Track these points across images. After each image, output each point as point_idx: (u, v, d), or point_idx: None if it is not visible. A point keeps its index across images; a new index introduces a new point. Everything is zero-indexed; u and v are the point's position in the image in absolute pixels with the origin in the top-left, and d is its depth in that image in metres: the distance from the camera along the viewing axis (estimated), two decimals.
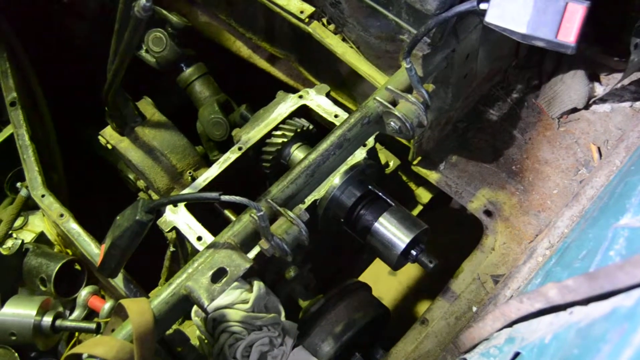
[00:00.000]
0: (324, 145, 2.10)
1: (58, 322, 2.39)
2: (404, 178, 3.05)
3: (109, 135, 2.77)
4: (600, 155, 2.65)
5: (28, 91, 3.06)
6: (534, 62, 2.94)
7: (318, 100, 2.57)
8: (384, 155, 2.82)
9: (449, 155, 2.78)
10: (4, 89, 2.87)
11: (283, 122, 2.53)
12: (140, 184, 2.84)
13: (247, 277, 2.24)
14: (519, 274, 2.28)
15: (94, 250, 2.48)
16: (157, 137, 2.73)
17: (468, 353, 1.86)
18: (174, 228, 2.31)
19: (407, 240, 2.23)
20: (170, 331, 2.41)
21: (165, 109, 2.84)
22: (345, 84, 2.98)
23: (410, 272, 4.16)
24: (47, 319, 2.38)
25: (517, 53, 2.90)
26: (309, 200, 2.25)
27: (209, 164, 2.71)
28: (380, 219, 2.29)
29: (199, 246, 2.24)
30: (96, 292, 2.63)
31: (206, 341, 2.23)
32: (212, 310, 2.16)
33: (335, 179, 2.28)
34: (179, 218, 2.31)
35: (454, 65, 2.43)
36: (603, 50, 2.85)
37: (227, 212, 2.45)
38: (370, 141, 2.39)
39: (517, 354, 1.52)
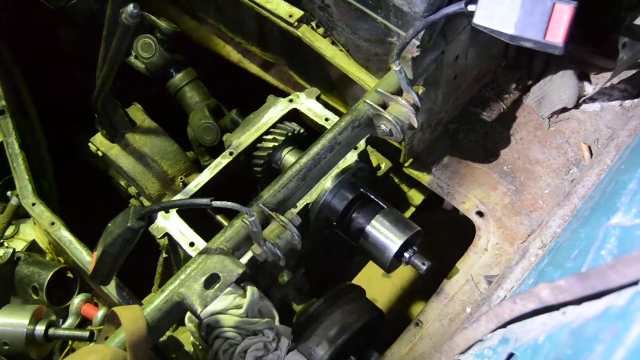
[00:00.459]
0: (315, 149, 2.10)
1: (51, 331, 2.38)
2: (396, 180, 3.06)
3: (99, 142, 2.76)
4: (591, 154, 2.66)
5: (17, 99, 3.05)
6: (523, 63, 2.95)
7: (308, 104, 2.57)
8: (375, 158, 2.82)
9: (440, 156, 2.79)
10: None
11: (274, 126, 2.53)
12: (132, 190, 2.83)
13: (240, 283, 2.23)
14: (512, 275, 2.29)
15: (86, 258, 2.48)
16: (147, 144, 2.72)
17: (462, 354, 1.86)
18: (166, 234, 2.30)
19: (399, 242, 2.23)
20: (163, 338, 2.40)
21: (155, 115, 2.83)
22: (335, 87, 2.98)
23: (403, 274, 4.16)
24: (40, 328, 2.37)
25: (506, 54, 2.91)
26: (300, 204, 2.25)
27: (200, 169, 2.70)
28: (373, 222, 2.30)
29: (192, 252, 2.23)
30: (89, 300, 2.62)
31: (200, 347, 2.22)
32: (206, 316, 2.16)
33: (327, 183, 2.28)
34: (171, 224, 2.30)
35: (443, 67, 2.44)
36: (592, 49, 2.86)
37: (219, 218, 2.45)
38: (362, 144, 2.39)
39: (511, 355, 1.52)
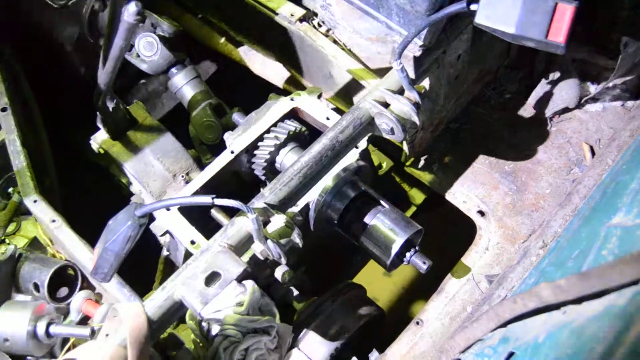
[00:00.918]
0: (317, 147, 2.10)
1: (52, 328, 2.38)
2: (397, 179, 3.06)
3: (100, 140, 2.76)
4: (593, 154, 2.66)
5: (20, 96, 3.05)
6: (525, 62, 2.95)
7: (310, 102, 2.57)
8: (376, 157, 2.82)
9: (441, 156, 2.79)
10: None
11: (275, 124, 2.53)
12: (133, 188, 2.83)
13: (241, 280, 2.23)
14: (512, 274, 2.29)
15: (87, 255, 2.48)
16: (149, 141, 2.73)
17: (463, 353, 1.86)
18: (167, 232, 2.30)
19: (401, 241, 2.23)
20: (164, 335, 2.40)
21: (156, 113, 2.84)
22: (336, 86, 2.98)
23: (404, 273, 4.16)
24: (41, 324, 2.37)
25: (508, 53, 2.91)
26: (302, 202, 2.25)
27: (201, 167, 2.71)
28: (374, 221, 2.30)
29: (193, 250, 2.24)
30: (90, 297, 2.62)
31: (201, 345, 2.22)
32: (206, 314, 2.16)
33: (328, 181, 2.28)
34: (172, 222, 2.30)
35: (445, 66, 2.44)
36: (594, 49, 2.86)
37: (220, 216, 2.45)
38: (363, 143, 2.39)
39: (511, 354, 1.53)
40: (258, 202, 1.95)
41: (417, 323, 2.42)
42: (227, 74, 3.91)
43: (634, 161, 2.09)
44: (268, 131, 2.51)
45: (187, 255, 2.32)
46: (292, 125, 2.52)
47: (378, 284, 4.07)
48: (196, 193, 2.40)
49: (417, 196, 3.04)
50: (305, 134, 2.56)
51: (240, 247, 1.92)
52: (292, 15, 2.72)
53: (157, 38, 2.82)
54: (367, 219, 2.31)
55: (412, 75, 2.24)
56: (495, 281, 2.38)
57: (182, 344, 2.41)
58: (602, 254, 1.48)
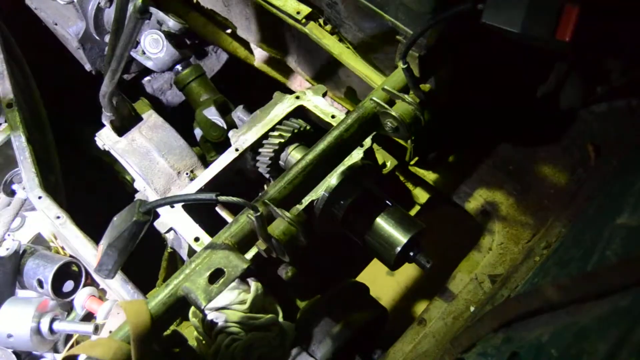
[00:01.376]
0: (321, 145, 2.10)
1: (56, 324, 2.39)
2: (402, 178, 3.05)
3: (105, 137, 2.76)
4: (597, 154, 2.65)
5: (25, 93, 3.06)
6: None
7: (315, 100, 2.57)
8: (381, 156, 2.82)
9: (446, 155, 2.78)
10: (1, 90, 2.87)
11: (280, 123, 2.53)
12: (137, 185, 2.83)
13: (244, 278, 2.24)
14: (516, 274, 2.29)
15: (91, 252, 2.48)
16: (154, 138, 2.73)
17: (466, 353, 1.86)
18: (171, 229, 2.31)
19: (404, 240, 2.23)
20: (167, 332, 2.41)
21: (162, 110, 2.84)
22: (342, 84, 2.98)
23: (407, 272, 4.16)
24: (45, 321, 2.38)
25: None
26: (306, 200, 2.25)
27: (206, 165, 2.71)
28: (378, 219, 2.30)
29: (197, 247, 2.24)
30: (94, 294, 2.62)
31: (204, 342, 2.23)
32: (210, 311, 2.16)
33: (333, 180, 2.28)
34: (176, 219, 2.31)
35: (450, 65, 2.43)
36: (600, 49, 2.85)
37: (224, 213, 2.45)
38: (368, 141, 2.39)
39: (514, 354, 1.52)
40: (262, 200, 1.95)
41: (420, 322, 2.42)
42: (232, 71, 3.91)
43: (638, 162, 2.09)
44: (273, 129, 2.51)
45: (191, 252, 2.32)
46: (297, 124, 2.52)
47: (381, 283, 4.07)
48: (200, 190, 2.40)
49: (421, 195, 3.04)
50: (310, 132, 2.56)
51: (244, 244, 1.92)
52: (298, 13, 2.72)
53: (163, 35, 2.83)
54: (371, 218, 2.31)
55: (417, 74, 2.24)
56: (498, 281, 2.38)
57: (185, 341, 2.41)
58: (607, 254, 1.48)
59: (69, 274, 2.61)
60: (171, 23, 2.74)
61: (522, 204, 2.60)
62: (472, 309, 2.39)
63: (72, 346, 2.52)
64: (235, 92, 3.25)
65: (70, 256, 2.66)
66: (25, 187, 2.64)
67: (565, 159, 2.68)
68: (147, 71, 3.84)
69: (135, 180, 2.77)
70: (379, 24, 2.42)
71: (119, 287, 2.44)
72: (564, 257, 1.91)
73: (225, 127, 2.89)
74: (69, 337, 2.55)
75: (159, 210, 2.31)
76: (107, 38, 3.14)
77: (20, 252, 2.60)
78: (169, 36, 2.83)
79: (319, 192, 2.28)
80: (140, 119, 2.80)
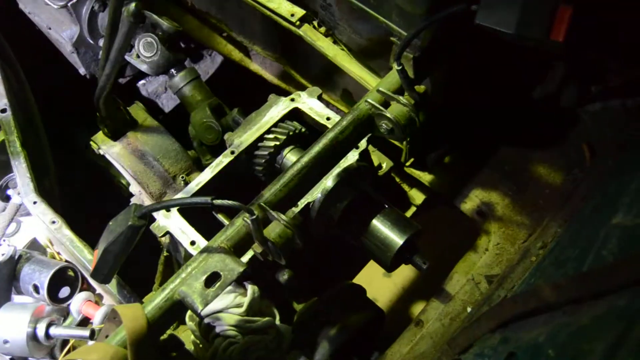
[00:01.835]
0: (317, 148, 2.10)
1: (52, 329, 2.38)
2: (397, 180, 3.05)
3: (100, 141, 2.76)
4: (593, 154, 2.65)
5: (19, 97, 3.05)
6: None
7: (310, 103, 2.57)
8: (376, 157, 2.82)
9: (441, 156, 2.78)
10: None
11: (275, 125, 2.52)
12: (133, 189, 2.83)
13: (240, 281, 2.23)
14: (512, 274, 2.29)
15: (87, 257, 2.47)
16: (149, 142, 2.73)
17: (463, 354, 1.86)
18: (167, 233, 2.30)
19: (400, 242, 2.23)
20: (164, 336, 2.40)
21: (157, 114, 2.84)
22: (337, 86, 2.98)
23: (404, 273, 4.16)
24: (41, 326, 2.37)
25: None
26: (301, 203, 2.25)
27: (201, 168, 2.70)
28: (374, 221, 2.29)
29: (193, 251, 2.23)
30: (90, 299, 2.62)
31: (201, 346, 2.22)
32: (206, 314, 2.16)
33: (328, 182, 2.28)
34: (172, 223, 2.30)
35: (445, 67, 2.44)
36: (594, 48, 2.85)
37: (220, 216, 2.45)
38: (363, 143, 2.39)
39: (511, 354, 1.52)
40: (258, 203, 1.95)
41: (417, 323, 2.42)
42: (227, 74, 3.91)
43: (634, 162, 2.09)
44: (268, 132, 2.51)
45: (187, 256, 2.32)
46: (292, 126, 2.52)
47: (378, 285, 4.06)
48: (196, 194, 2.40)
49: (417, 196, 3.04)
50: (306, 135, 2.56)
51: (240, 248, 1.91)
52: (292, 15, 2.72)
53: (157, 38, 2.82)
54: (367, 220, 2.31)
55: (411, 75, 2.24)
56: (495, 281, 2.38)
57: (182, 344, 2.40)
58: (602, 254, 1.48)
59: (65, 279, 2.60)
60: (165, 26, 2.74)
61: (518, 204, 2.60)
62: (469, 309, 2.39)
63: (68, 351, 2.51)
64: (230, 95, 3.25)
65: (66, 261, 2.65)
66: (20, 192, 2.64)
67: (560, 159, 2.68)
68: (141, 75, 3.84)
69: (130, 185, 2.77)
70: (373, 25, 2.42)
71: (115, 292, 2.43)
72: (560, 257, 1.92)
73: (220, 130, 2.88)
74: (65, 342, 2.54)
75: (155, 214, 2.30)
76: (101, 42, 3.13)
77: (16, 257, 2.59)
78: (163, 39, 2.83)
79: (315, 194, 2.28)
80: (135, 122, 2.80)
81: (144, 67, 2.88)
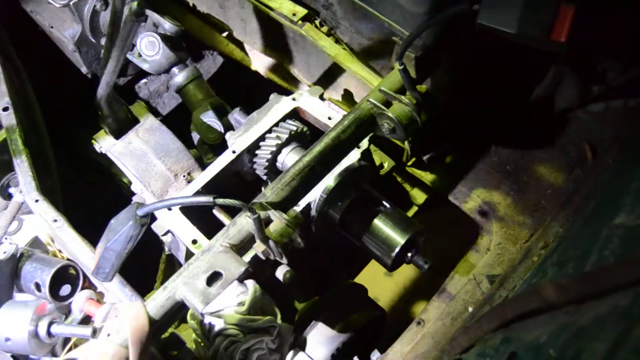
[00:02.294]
0: (318, 147, 2.10)
1: (53, 327, 2.38)
2: (399, 179, 3.05)
3: (102, 139, 2.76)
4: (594, 154, 2.65)
5: (21, 96, 3.05)
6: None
7: (312, 102, 2.57)
8: (378, 157, 2.82)
9: (443, 156, 2.78)
10: None
11: (277, 124, 2.53)
12: (135, 187, 2.83)
13: (242, 280, 2.23)
14: (514, 274, 2.29)
15: (89, 255, 2.48)
16: (150, 141, 2.73)
17: (464, 353, 1.86)
18: (169, 231, 2.30)
19: (402, 241, 2.23)
20: (166, 335, 2.40)
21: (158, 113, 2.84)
22: (338, 85, 2.98)
23: (406, 273, 4.16)
24: (43, 324, 2.37)
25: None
26: (303, 202, 2.25)
27: (203, 167, 2.70)
28: (375, 221, 2.29)
29: (194, 249, 2.24)
30: (92, 297, 2.62)
31: (202, 344, 2.22)
32: (208, 313, 2.16)
33: (330, 181, 2.28)
34: (173, 221, 2.30)
35: (446, 66, 2.43)
36: (596, 49, 2.85)
37: (221, 215, 2.45)
38: (364, 143, 2.39)
39: (513, 354, 1.52)
40: (259, 202, 1.95)
41: (419, 323, 2.42)
42: (228, 73, 3.91)
43: (635, 161, 2.09)
44: (270, 131, 2.51)
45: (189, 254, 2.32)
46: (293, 125, 2.52)
47: (379, 284, 4.07)
48: (198, 193, 2.40)
49: (419, 196, 3.04)
50: (307, 134, 2.56)
51: (241, 246, 1.92)
52: (293, 14, 2.72)
53: (159, 37, 2.82)
54: (368, 219, 2.30)
55: (413, 75, 2.24)
56: (496, 281, 2.38)
57: (183, 343, 2.41)
58: (604, 254, 1.48)
59: (66, 277, 2.60)
60: (167, 25, 2.74)
61: (520, 204, 2.60)
62: (470, 309, 2.39)
63: (70, 349, 2.51)
64: (232, 94, 3.25)
65: (68, 259, 2.65)
66: (22, 190, 2.64)
67: (562, 159, 2.68)
68: (143, 74, 3.83)
69: (132, 183, 2.77)
70: (375, 25, 2.42)
71: (116, 290, 2.43)
72: (562, 257, 1.91)
73: (222, 129, 2.88)
74: (67, 340, 2.55)
75: (156, 212, 2.31)
76: (103, 41, 3.13)
77: (18, 255, 2.59)
78: (165, 39, 2.83)
79: (317, 193, 2.28)
80: (137, 121, 2.80)
81: (145, 66, 2.88)
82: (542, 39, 1.80)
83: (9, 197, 2.82)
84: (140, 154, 2.70)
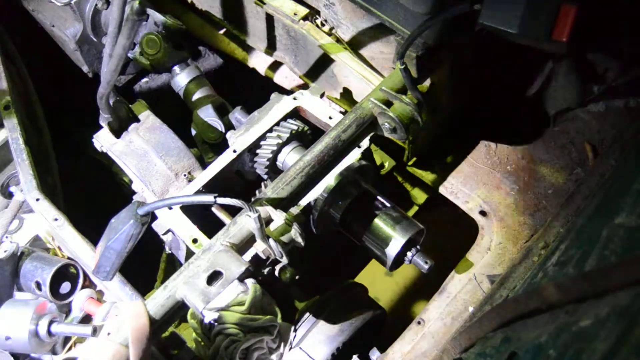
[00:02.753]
0: (319, 147, 2.10)
1: (54, 326, 2.38)
2: (399, 179, 3.05)
3: (103, 138, 2.76)
4: (595, 154, 2.65)
5: (22, 94, 3.05)
6: (528, 62, 2.94)
7: (312, 101, 2.57)
8: (379, 156, 2.82)
9: (444, 155, 2.78)
10: None
11: (278, 124, 2.53)
12: (135, 186, 2.83)
13: (242, 279, 2.23)
14: (514, 274, 2.29)
15: (90, 254, 2.48)
16: (151, 140, 2.73)
17: (464, 353, 1.86)
18: (169, 230, 2.30)
19: (402, 241, 2.23)
20: (166, 334, 2.41)
21: (159, 111, 2.84)
22: (339, 85, 2.98)
23: (406, 272, 4.16)
24: (43, 323, 2.37)
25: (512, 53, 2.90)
26: (304, 201, 2.25)
27: (204, 166, 2.70)
28: (376, 220, 2.29)
29: (195, 249, 2.24)
30: (92, 296, 2.62)
31: (202, 343, 2.22)
32: (208, 312, 2.16)
33: (331, 181, 2.28)
34: (174, 220, 2.30)
35: (447, 66, 2.43)
36: (597, 49, 2.85)
37: (222, 215, 2.45)
38: (365, 142, 2.39)
39: (513, 354, 1.52)
40: (260, 201, 1.95)
41: (419, 323, 2.42)
42: (229, 72, 3.91)
43: (636, 162, 2.09)
44: (270, 130, 2.51)
45: (189, 254, 2.32)
46: (294, 125, 2.52)
47: (379, 284, 4.07)
48: (198, 192, 2.40)
49: (419, 196, 3.04)
50: (308, 133, 2.56)
51: (242, 246, 1.92)
52: (295, 14, 2.73)
53: (160, 36, 2.82)
54: (369, 219, 2.30)
55: (414, 74, 2.24)
56: (497, 281, 2.38)
57: (183, 342, 2.41)
58: (605, 254, 1.48)
59: (66, 276, 2.61)
60: (168, 24, 2.74)
61: (520, 204, 2.60)
62: (470, 309, 2.39)
63: (70, 348, 2.51)
64: (233, 93, 3.25)
65: (68, 258, 2.65)
66: (23, 189, 2.64)
67: (563, 159, 2.68)
68: (144, 72, 3.84)
69: (133, 182, 2.77)
70: (377, 24, 2.42)
71: (117, 289, 2.43)
72: (563, 257, 1.91)
73: (222, 128, 2.89)
74: (67, 339, 2.55)
75: (157, 211, 2.31)
76: (104, 40, 3.13)
77: (18, 254, 2.59)
78: (166, 37, 2.83)
79: (317, 193, 2.28)
80: (137, 120, 2.80)
81: (146, 65, 2.88)
82: (543, 38, 1.80)
83: (9, 195, 2.82)
84: (141, 153, 2.70)
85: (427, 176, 2.76)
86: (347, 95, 3.00)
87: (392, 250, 2.24)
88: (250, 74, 3.49)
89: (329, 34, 2.75)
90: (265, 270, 2.34)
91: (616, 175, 2.21)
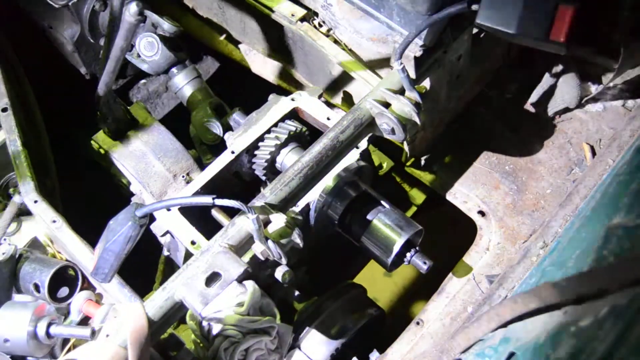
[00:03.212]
0: (317, 147, 2.10)
1: (52, 328, 2.38)
2: (398, 179, 3.05)
3: (101, 140, 2.76)
4: (593, 154, 2.66)
5: (20, 96, 3.05)
6: (525, 62, 2.94)
7: (311, 102, 2.57)
8: (377, 157, 2.82)
9: (442, 156, 2.78)
10: None
11: (276, 125, 2.53)
12: (134, 188, 2.83)
13: (241, 281, 2.23)
14: (513, 274, 2.28)
15: (88, 256, 2.47)
16: (149, 142, 2.73)
17: (463, 353, 1.86)
18: (168, 232, 2.30)
19: (401, 241, 2.23)
20: (165, 335, 2.40)
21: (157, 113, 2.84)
22: (337, 85, 2.98)
23: (405, 273, 4.16)
24: (42, 325, 2.37)
25: (509, 53, 2.91)
26: (302, 203, 2.25)
27: (202, 167, 2.71)
28: (374, 221, 2.30)
29: (193, 250, 2.23)
30: (91, 298, 2.61)
31: (201, 345, 2.22)
32: (207, 314, 2.16)
33: (329, 182, 2.28)
34: (172, 222, 2.30)
35: (446, 66, 2.44)
36: (594, 49, 2.85)
37: (220, 216, 2.45)
38: (364, 143, 2.39)
39: (512, 354, 1.52)
40: (258, 203, 1.95)
41: (418, 323, 2.42)
42: (227, 73, 3.91)
43: (634, 161, 2.09)
44: (269, 131, 2.51)
45: (188, 255, 2.32)
46: (292, 126, 2.52)
47: (378, 284, 4.06)
48: (197, 193, 2.40)
49: (418, 196, 3.04)
50: (306, 134, 2.56)
51: (240, 247, 1.91)
52: (292, 15, 2.72)
53: (158, 38, 2.82)
54: (367, 219, 2.31)
55: (412, 75, 2.24)
56: (495, 281, 2.38)
57: (182, 344, 2.41)
58: (603, 254, 1.48)
59: (65, 278, 2.60)
60: (166, 26, 2.73)
61: (519, 204, 2.60)
62: (469, 309, 2.39)
63: (69, 350, 2.51)
64: (231, 95, 3.25)
65: (67, 260, 2.65)
66: (21, 191, 2.63)
67: (561, 159, 2.68)
68: (142, 74, 3.84)
69: (131, 184, 2.77)
70: (374, 25, 2.42)
71: (115, 291, 2.43)
72: (561, 257, 1.91)
73: (221, 129, 2.88)
74: (65, 341, 2.54)
75: (155, 213, 2.30)
76: (102, 41, 3.13)
77: (17, 256, 2.59)
78: (164, 39, 2.83)
79: (316, 194, 2.28)
80: (135, 122, 2.80)
81: (144, 67, 2.88)
82: (541, 39, 1.80)
83: (8, 197, 2.82)
84: (139, 155, 2.70)
85: (426, 177, 2.76)
86: (345, 96, 3.00)
87: (391, 250, 2.24)
88: (248, 75, 3.48)
89: (327, 35, 2.75)
90: (264, 272, 2.34)
91: (614, 175, 2.21)
